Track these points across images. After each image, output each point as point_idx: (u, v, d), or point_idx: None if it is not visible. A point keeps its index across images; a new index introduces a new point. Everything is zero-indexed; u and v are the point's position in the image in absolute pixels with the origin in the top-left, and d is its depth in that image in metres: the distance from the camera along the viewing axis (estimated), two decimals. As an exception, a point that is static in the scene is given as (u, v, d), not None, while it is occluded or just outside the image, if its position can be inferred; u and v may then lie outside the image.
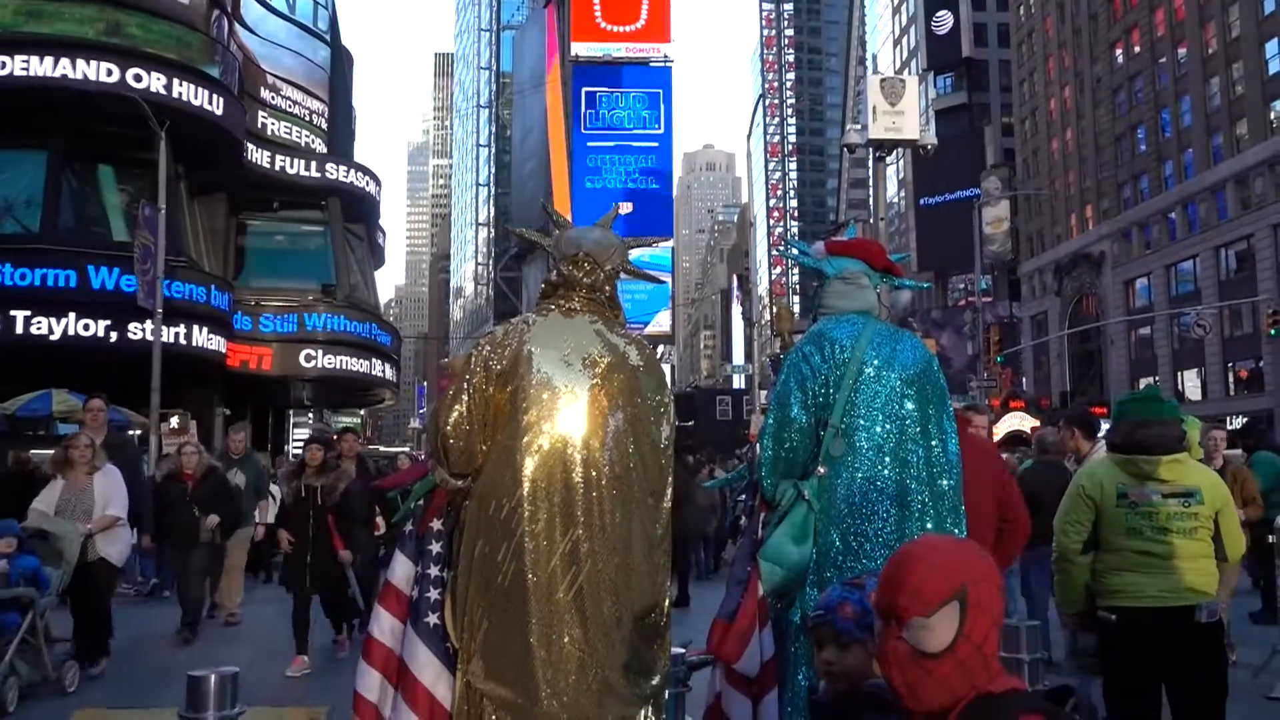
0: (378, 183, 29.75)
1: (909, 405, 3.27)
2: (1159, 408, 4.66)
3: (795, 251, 3.78)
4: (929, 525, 3.17)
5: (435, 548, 2.99)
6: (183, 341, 20.68)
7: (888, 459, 3.21)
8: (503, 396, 2.87)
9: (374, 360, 27.51)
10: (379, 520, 9.19)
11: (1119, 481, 4.39)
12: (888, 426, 3.23)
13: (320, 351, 25.17)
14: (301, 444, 25.74)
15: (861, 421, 3.22)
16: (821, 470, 3.20)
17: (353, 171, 28.51)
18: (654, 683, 2.90)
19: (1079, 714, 1.45)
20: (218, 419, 23.89)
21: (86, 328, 19.75)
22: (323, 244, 27.90)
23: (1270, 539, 8.09)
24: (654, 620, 2.91)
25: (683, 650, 4.02)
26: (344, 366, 26.04)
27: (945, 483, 3.28)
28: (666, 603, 2.97)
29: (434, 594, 2.95)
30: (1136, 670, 4.26)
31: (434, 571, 2.96)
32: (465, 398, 2.88)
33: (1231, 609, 6.20)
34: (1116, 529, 4.38)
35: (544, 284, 3.14)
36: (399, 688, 2.93)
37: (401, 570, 3.03)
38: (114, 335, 19.93)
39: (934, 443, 3.30)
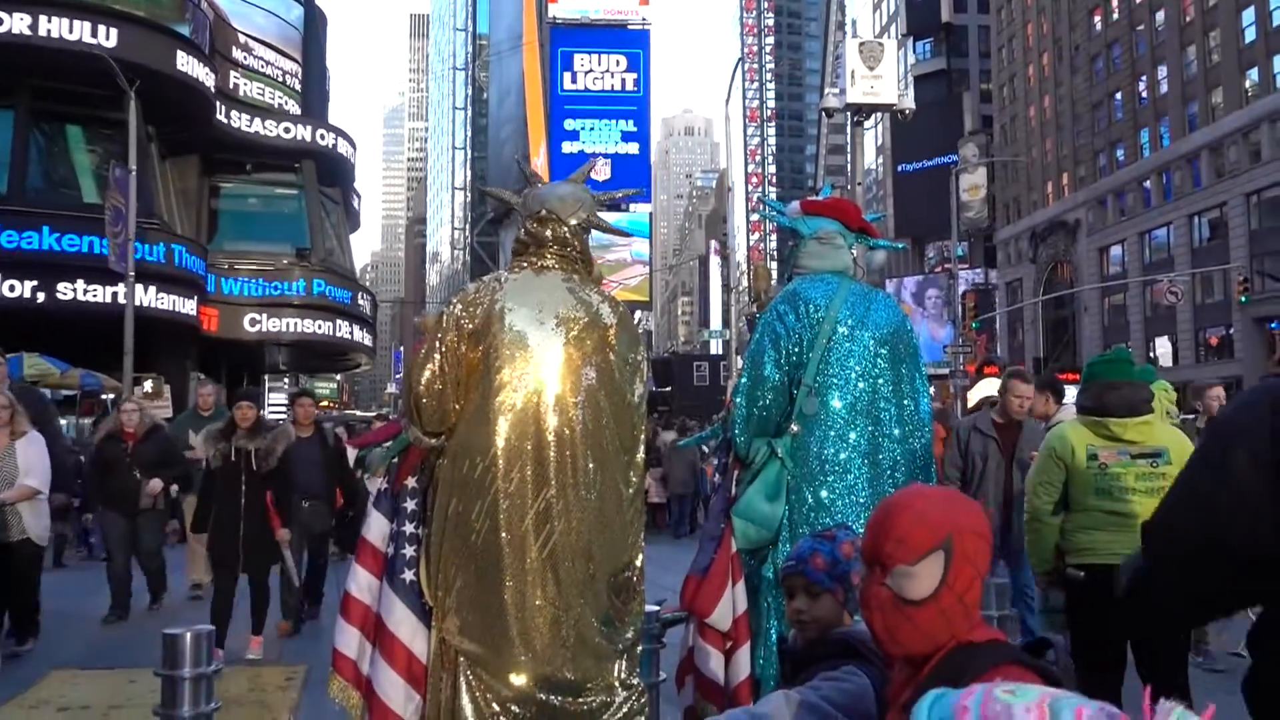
0: (353, 145, 29.43)
1: (882, 364, 3.30)
2: (1128, 370, 4.72)
3: (771, 211, 3.79)
4: (900, 482, 3.21)
5: (410, 505, 3.00)
6: (155, 305, 20.45)
7: (860, 418, 3.25)
8: (475, 355, 2.87)
9: (350, 325, 27.35)
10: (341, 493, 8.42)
11: (1089, 443, 4.47)
12: (860, 385, 3.26)
13: (265, 316, 24.87)
14: (281, 409, 25.60)
15: (835, 380, 3.25)
16: (795, 428, 3.23)
17: (327, 134, 28.16)
18: (628, 637, 2.93)
19: (1058, 667, 1.48)
20: (192, 383, 23.70)
21: (57, 290, 19.53)
22: (297, 207, 27.61)
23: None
24: (627, 577, 2.94)
25: (657, 608, 4.07)
26: (319, 331, 25.88)
27: (917, 441, 3.32)
28: (639, 559, 3.00)
29: (409, 551, 2.96)
30: (1104, 626, 4.36)
31: (409, 529, 2.98)
32: (438, 356, 2.87)
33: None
34: (1086, 489, 4.46)
35: (515, 242, 3.13)
36: (376, 644, 2.95)
37: (377, 527, 3.04)
38: (85, 298, 19.71)
39: (906, 401, 3.34)
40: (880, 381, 3.29)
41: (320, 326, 25.87)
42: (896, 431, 3.29)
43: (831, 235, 3.48)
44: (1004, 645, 1.68)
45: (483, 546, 2.83)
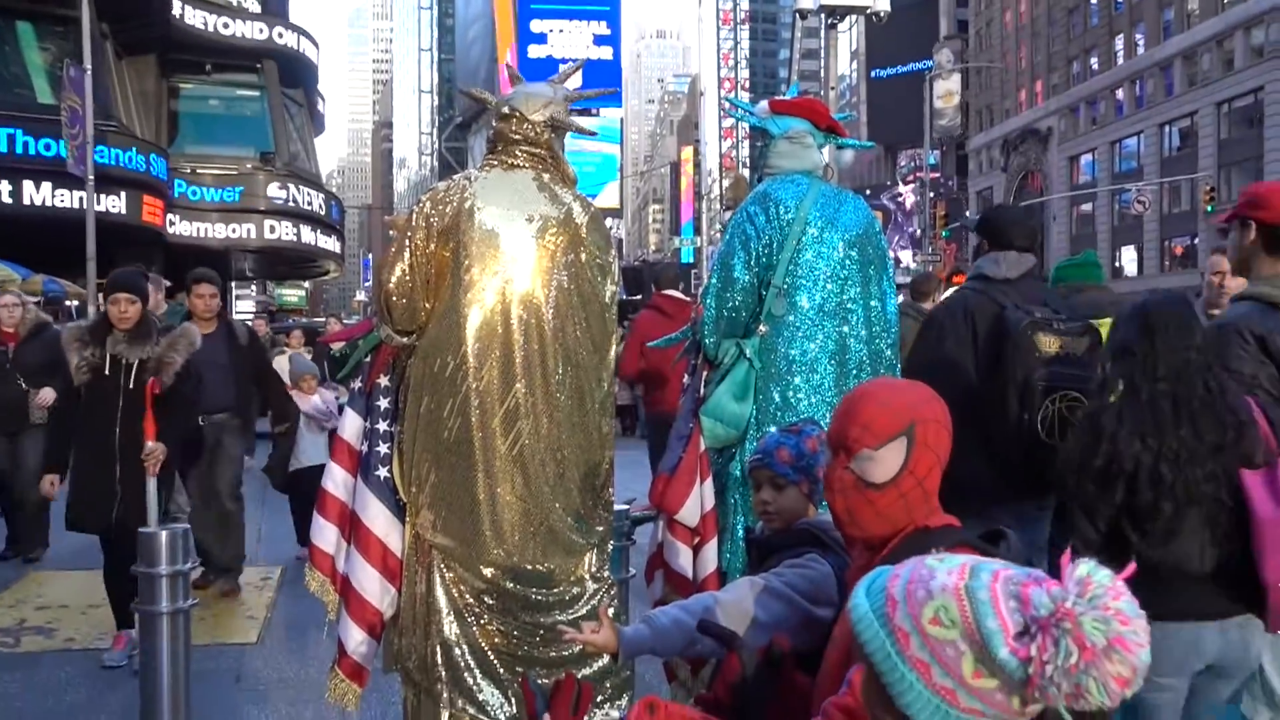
0: (315, 45, 28.58)
1: (851, 266, 3.33)
2: (1096, 274, 4.78)
3: (740, 110, 3.75)
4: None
5: (383, 403, 3.02)
6: (116, 210, 20.03)
7: (828, 318, 3.29)
8: (445, 253, 2.86)
9: (318, 231, 26.96)
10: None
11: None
12: (829, 287, 3.29)
13: (230, 221, 24.39)
14: (248, 318, 25.34)
15: (804, 282, 3.27)
16: (763, 329, 3.27)
17: (288, 33, 27.30)
18: (598, 531, 3.00)
19: (1010, 556, 1.55)
20: (159, 291, 23.39)
21: (14, 195, 19.05)
22: (260, 109, 26.91)
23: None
24: (597, 473, 2.99)
25: (627, 506, 4.16)
26: (287, 237, 25.50)
27: (883, 342, 3.38)
28: (609, 455, 3.05)
29: (383, 448, 2.99)
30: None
31: (382, 426, 3.00)
32: (407, 255, 2.86)
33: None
34: None
35: (487, 142, 3.10)
36: (352, 540, 3.00)
37: (351, 425, 3.07)
38: (44, 202, 19.26)
39: (874, 303, 3.38)
40: (848, 283, 3.32)
41: (287, 232, 25.47)
42: (864, 332, 3.33)
43: (801, 134, 3.46)
44: (959, 531, 1.75)
45: (454, 443, 2.87)
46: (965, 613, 1.14)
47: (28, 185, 19.16)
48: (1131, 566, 1.17)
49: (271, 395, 6.68)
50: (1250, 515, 2.41)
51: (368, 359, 3.10)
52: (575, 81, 3.33)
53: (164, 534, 3.84)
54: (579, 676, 1.80)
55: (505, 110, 2.96)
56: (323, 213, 27.30)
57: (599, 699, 2.79)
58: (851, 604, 1.27)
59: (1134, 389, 2.51)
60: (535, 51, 48.82)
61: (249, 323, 12.05)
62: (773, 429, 2.82)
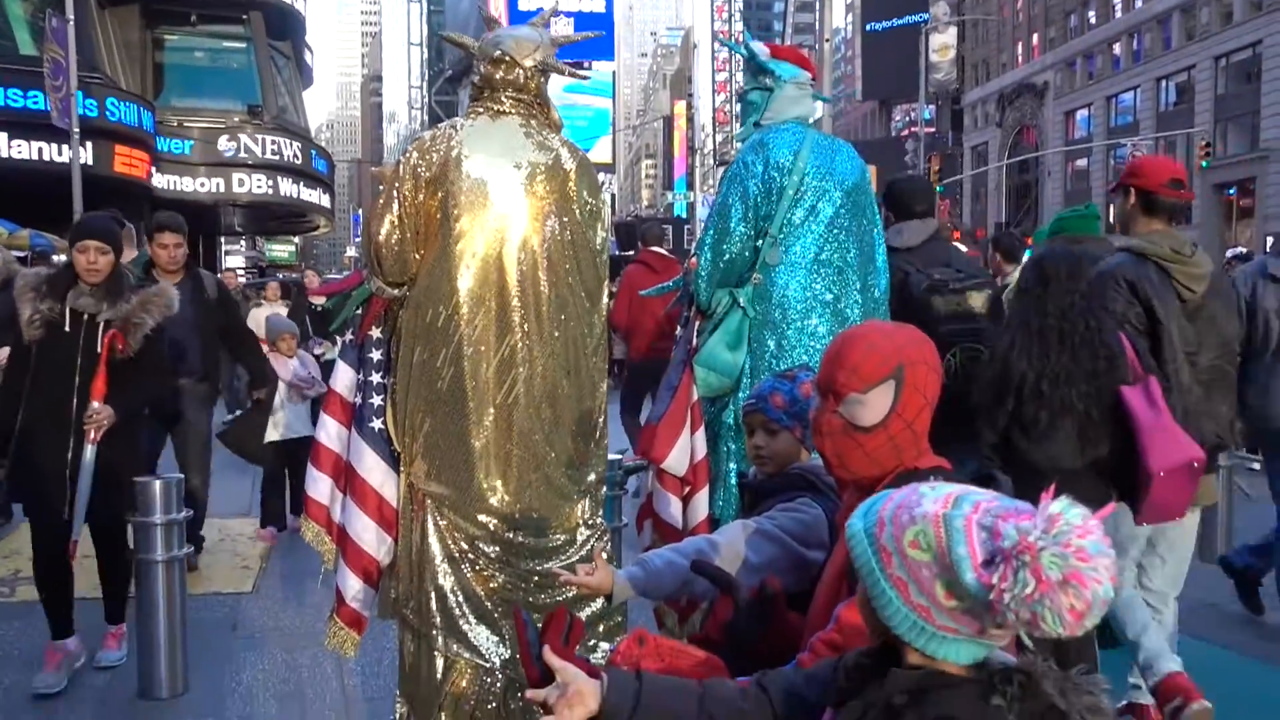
0: (303, -4, 28.18)
1: (845, 215, 3.32)
2: (1095, 226, 4.76)
3: (744, 49, 3.67)
4: None
5: (375, 355, 3.01)
6: (101, 163, 19.79)
7: (824, 266, 3.28)
8: (434, 203, 2.83)
9: (307, 186, 26.73)
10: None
11: None
12: (825, 235, 3.28)
13: (217, 176, 24.10)
14: (241, 275, 24.98)
15: (799, 230, 3.26)
16: (757, 278, 3.26)
17: (275, -17, 26.88)
18: (591, 479, 3.01)
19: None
20: (147, 246, 23.23)
21: (11, 147, 18.81)
22: (246, 62, 26.55)
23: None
24: (590, 420, 2.99)
25: (619, 456, 4.17)
26: (275, 192, 25.29)
27: (876, 289, 3.38)
28: (602, 402, 3.05)
29: (376, 400, 2.99)
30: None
31: (375, 378, 2.99)
32: (396, 206, 2.83)
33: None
34: None
35: (470, 88, 3.05)
36: (347, 491, 3.01)
37: (344, 378, 3.06)
38: (28, 156, 19.03)
39: (867, 250, 3.37)
40: (843, 231, 3.31)
41: (275, 187, 25.25)
42: (857, 280, 3.33)
43: (805, 81, 3.44)
44: (947, 472, 1.76)
45: (448, 392, 2.86)
46: (940, 539, 1.22)
47: (11, 138, 18.90)
48: (1111, 506, 1.28)
49: (246, 356, 5.95)
50: (1132, 422, 2.99)
51: (359, 311, 3.08)
52: (561, 26, 3.28)
53: (157, 483, 3.85)
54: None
55: (496, 54, 2.91)
56: (312, 167, 27.06)
57: (590, 641, 2.81)
58: (849, 524, 1.34)
59: (1027, 322, 3.09)
60: (525, 3, 48.13)
61: (221, 275, 11.92)
62: (766, 377, 2.82)
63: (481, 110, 2.93)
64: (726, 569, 2.02)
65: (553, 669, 1.48)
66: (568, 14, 44.97)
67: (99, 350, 4.02)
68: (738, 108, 3.88)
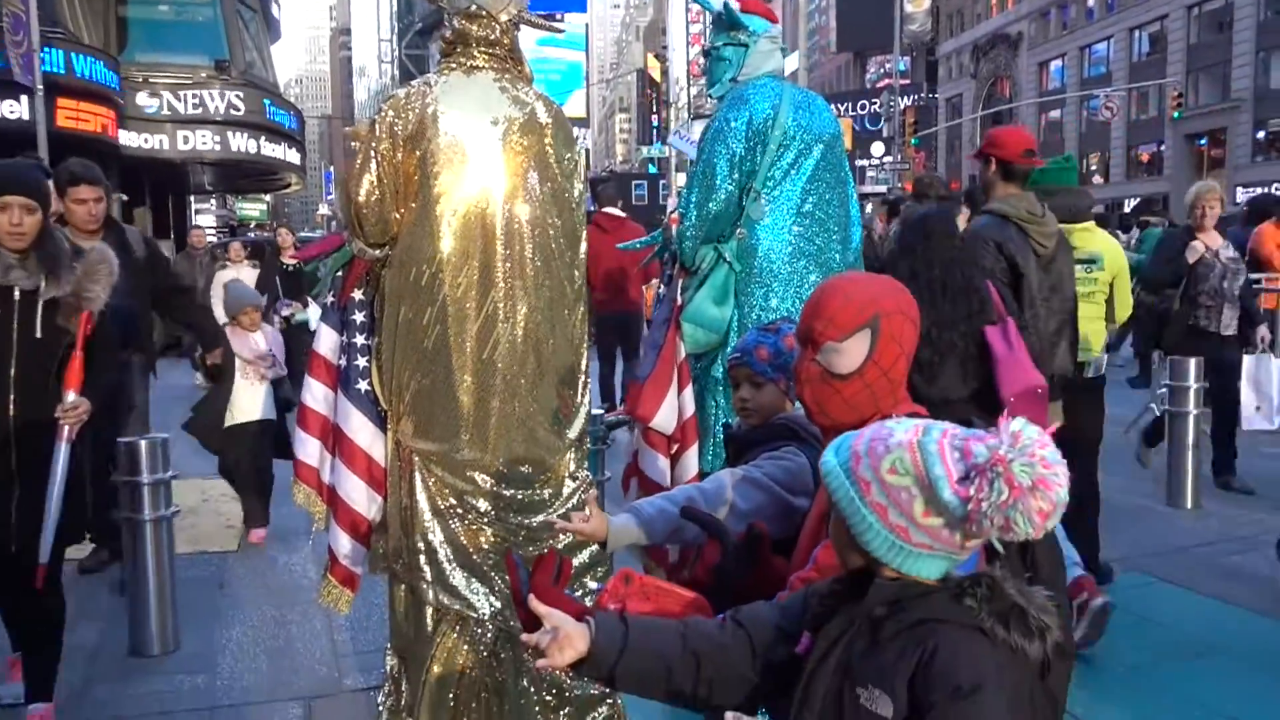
0: (268, -54, 27.59)
1: (824, 168, 3.35)
2: (1071, 177, 4.82)
3: (718, 7, 3.68)
4: None
5: (359, 317, 3.02)
6: (15, 116, 19.20)
7: (805, 219, 3.31)
8: (411, 161, 2.82)
9: (277, 142, 26.36)
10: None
11: None
12: (806, 188, 3.31)
13: (186, 131, 23.67)
14: (210, 234, 24.68)
15: (782, 184, 3.29)
16: (741, 232, 3.29)
17: (240, -67, 26.30)
18: (575, 431, 3.05)
19: None
20: (115, 205, 22.89)
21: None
22: (212, 15, 26.04)
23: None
24: (573, 373, 3.02)
25: (602, 411, 4.22)
26: (245, 149, 24.93)
27: (853, 241, 3.42)
28: (584, 354, 3.08)
29: (361, 362, 3.00)
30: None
31: (360, 340, 3.01)
32: (374, 165, 2.82)
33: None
34: None
35: (442, 42, 3.03)
36: (335, 452, 3.03)
37: (327, 341, 3.07)
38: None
39: (845, 201, 3.41)
40: (823, 184, 3.34)
41: (244, 144, 24.88)
42: (837, 231, 3.37)
43: (776, 35, 3.44)
44: (924, 416, 1.81)
45: (434, 350, 2.88)
46: (917, 462, 1.37)
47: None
48: (1057, 424, 1.42)
49: (187, 317, 5.42)
50: (991, 356, 3.37)
51: (340, 274, 3.08)
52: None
53: (143, 443, 3.86)
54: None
55: (471, 9, 2.89)
56: (281, 123, 26.66)
57: (578, 591, 2.87)
58: (822, 461, 1.46)
59: (916, 274, 3.34)
60: None
61: (147, 234, 11.31)
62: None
63: (455, 66, 2.92)
64: (715, 514, 2.07)
65: (539, 615, 1.54)
66: None
67: (40, 335, 3.27)
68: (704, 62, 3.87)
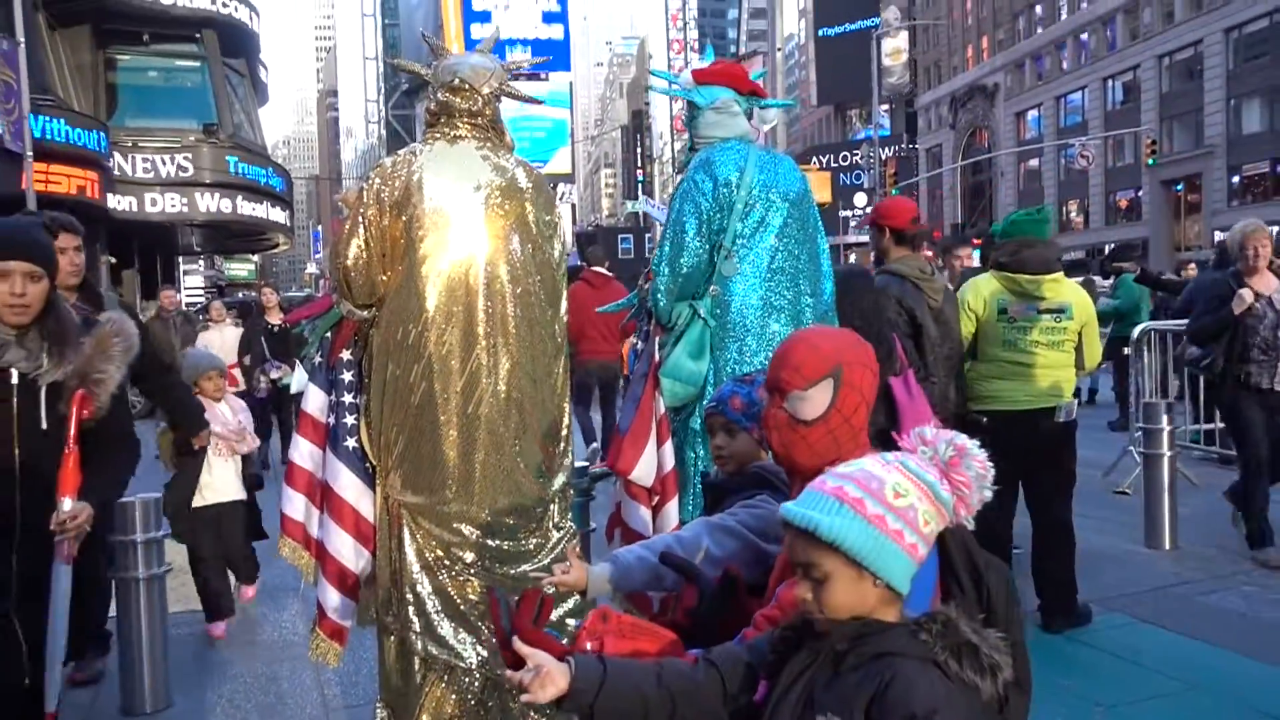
0: (255, 13, 28.06)
1: (792, 224, 3.48)
2: (1045, 229, 4.97)
3: (664, 83, 3.87)
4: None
5: (347, 376, 3.11)
6: (37, 185, 19.43)
7: (776, 274, 3.44)
8: (398, 226, 2.95)
9: (265, 203, 26.60)
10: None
11: (1001, 298, 4.75)
12: (775, 244, 3.44)
13: (174, 195, 23.88)
14: (199, 295, 24.57)
15: (751, 241, 3.42)
16: (714, 289, 3.41)
17: (229, 1, 26.76)
18: (559, 483, 3.14)
19: None
20: (103, 267, 23.02)
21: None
22: (201, 80, 26.42)
23: (1126, 352, 8.82)
24: (556, 426, 3.12)
25: (586, 464, 4.30)
26: (233, 211, 25.14)
27: (825, 294, 3.54)
28: (566, 408, 3.18)
29: (349, 419, 3.09)
30: (1001, 465, 4.71)
31: (348, 399, 3.10)
32: (362, 231, 2.95)
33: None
34: (994, 341, 4.76)
35: (426, 114, 3.17)
36: (324, 508, 3.10)
37: (315, 400, 3.15)
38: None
39: (813, 257, 3.53)
40: (792, 240, 3.47)
41: (233, 206, 25.11)
42: (807, 285, 3.49)
43: (727, 103, 3.59)
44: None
45: (420, 406, 2.98)
46: (914, 480, 1.58)
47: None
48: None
49: (168, 398, 4.72)
50: (894, 403, 3.62)
51: (329, 335, 3.18)
52: (518, 55, 3.42)
53: (136, 502, 3.92)
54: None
55: (455, 83, 3.04)
56: (269, 184, 26.93)
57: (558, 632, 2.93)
58: (823, 529, 1.53)
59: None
60: (479, 31, 47.34)
61: (179, 298, 11.11)
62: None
63: (439, 135, 3.06)
64: (691, 564, 2.16)
65: (521, 655, 1.62)
66: (524, 42, 44.35)
67: (44, 424, 2.76)
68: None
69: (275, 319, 10.13)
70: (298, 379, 10.79)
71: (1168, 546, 5.97)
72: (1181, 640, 4.57)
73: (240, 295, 28.24)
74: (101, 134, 21.60)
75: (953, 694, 1.46)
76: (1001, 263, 4.77)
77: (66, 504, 2.74)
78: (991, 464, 1.66)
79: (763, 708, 1.59)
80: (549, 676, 1.59)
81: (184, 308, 12.26)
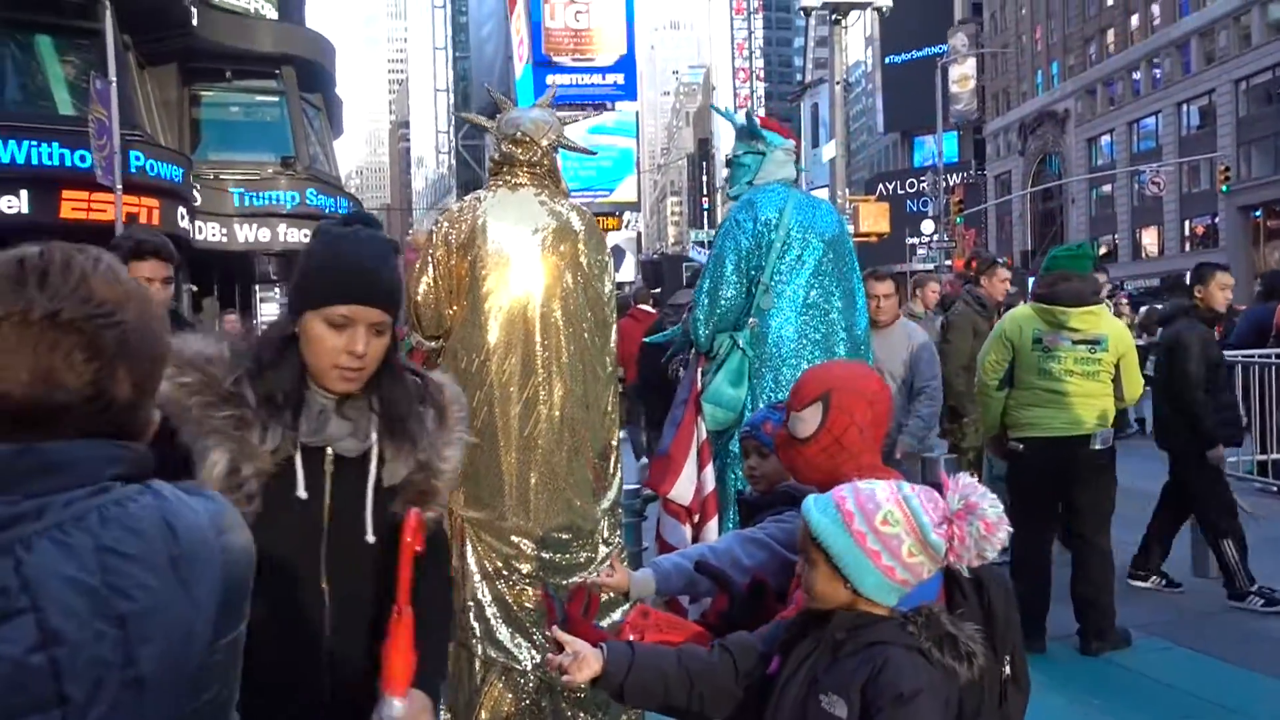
0: (333, 49, 29.12)
1: (828, 263, 3.72)
2: (1086, 265, 5.13)
3: (738, 120, 4.10)
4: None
5: None
6: (14, 210, 20.22)
7: (811, 309, 3.67)
8: (463, 266, 3.27)
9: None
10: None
11: (1036, 328, 4.91)
12: (811, 280, 3.68)
13: (253, 226, 24.85)
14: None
15: (789, 277, 3.66)
16: (753, 321, 3.66)
17: (307, 38, 27.84)
18: (608, 501, 3.40)
19: None
20: (184, 295, 23.98)
21: (40, 205, 19.46)
22: (279, 115, 27.43)
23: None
24: (606, 449, 3.39)
25: (637, 486, 4.55)
26: (308, 240, 25.91)
27: (858, 328, 3.76)
28: (615, 432, 3.45)
29: None
30: (1038, 490, 4.86)
31: None
32: (430, 269, 3.28)
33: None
34: (1030, 369, 4.92)
35: (490, 162, 3.49)
36: None
37: None
38: (71, 214, 19.73)
39: (848, 293, 3.76)
40: (827, 277, 3.70)
41: (309, 235, 25.91)
42: (841, 319, 3.71)
43: (791, 149, 3.86)
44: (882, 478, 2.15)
45: (482, 429, 3.25)
46: (906, 514, 1.74)
47: (49, 195, 19.45)
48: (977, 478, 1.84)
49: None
50: None
51: None
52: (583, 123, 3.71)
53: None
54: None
55: (518, 136, 3.34)
56: (343, 215, 27.78)
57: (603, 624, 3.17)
58: (812, 523, 1.80)
59: None
60: (549, 78, 44.98)
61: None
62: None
63: (501, 183, 3.38)
64: (724, 569, 2.39)
65: (562, 642, 1.87)
66: (592, 70, 42.96)
67: (369, 535, 1.88)
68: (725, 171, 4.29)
69: None
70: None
71: (1214, 574, 5.99)
72: (1220, 665, 4.63)
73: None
74: (182, 168, 22.56)
75: (935, 677, 1.71)
76: (1039, 294, 4.94)
77: (396, 708, 1.73)
78: (1007, 527, 1.76)
79: (773, 682, 1.83)
80: (585, 661, 1.83)
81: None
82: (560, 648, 1.88)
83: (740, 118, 4.10)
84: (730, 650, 1.92)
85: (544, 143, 3.35)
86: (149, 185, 20.77)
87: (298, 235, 25.66)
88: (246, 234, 25.18)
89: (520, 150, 3.35)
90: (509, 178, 3.37)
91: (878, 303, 5.49)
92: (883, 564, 1.73)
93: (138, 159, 20.41)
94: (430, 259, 3.26)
